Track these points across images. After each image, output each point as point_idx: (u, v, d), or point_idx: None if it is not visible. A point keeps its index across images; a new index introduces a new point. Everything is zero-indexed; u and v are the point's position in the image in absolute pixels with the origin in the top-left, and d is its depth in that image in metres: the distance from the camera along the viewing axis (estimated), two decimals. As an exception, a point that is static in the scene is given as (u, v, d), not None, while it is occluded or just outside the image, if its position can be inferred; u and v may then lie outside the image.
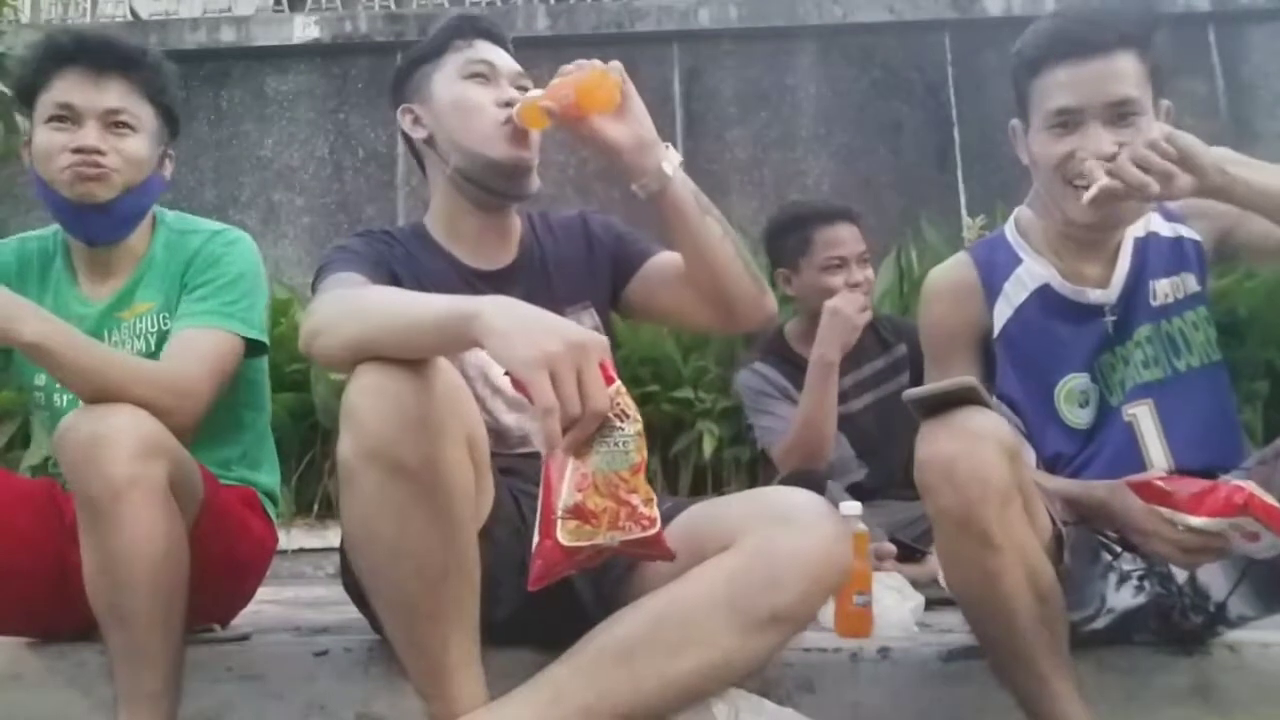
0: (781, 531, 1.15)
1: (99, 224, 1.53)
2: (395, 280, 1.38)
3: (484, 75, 1.46)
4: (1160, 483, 1.26)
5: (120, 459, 1.22)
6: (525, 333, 0.99)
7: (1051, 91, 1.37)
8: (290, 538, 3.01)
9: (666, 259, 1.51)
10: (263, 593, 1.65)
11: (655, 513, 1.02)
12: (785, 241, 2.32)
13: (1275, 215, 1.25)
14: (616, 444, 1.00)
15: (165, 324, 1.52)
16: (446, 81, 1.47)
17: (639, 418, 1.02)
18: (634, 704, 1.12)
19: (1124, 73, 1.35)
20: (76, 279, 1.58)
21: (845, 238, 2.26)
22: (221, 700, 1.44)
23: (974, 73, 4.26)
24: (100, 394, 1.31)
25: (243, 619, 1.65)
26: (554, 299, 1.47)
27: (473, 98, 1.45)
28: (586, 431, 0.98)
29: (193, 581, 1.32)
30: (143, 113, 1.53)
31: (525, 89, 1.45)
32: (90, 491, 1.23)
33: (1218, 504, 1.20)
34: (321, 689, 1.43)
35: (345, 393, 1.09)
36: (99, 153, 1.48)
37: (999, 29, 4.20)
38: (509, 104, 1.43)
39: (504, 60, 1.49)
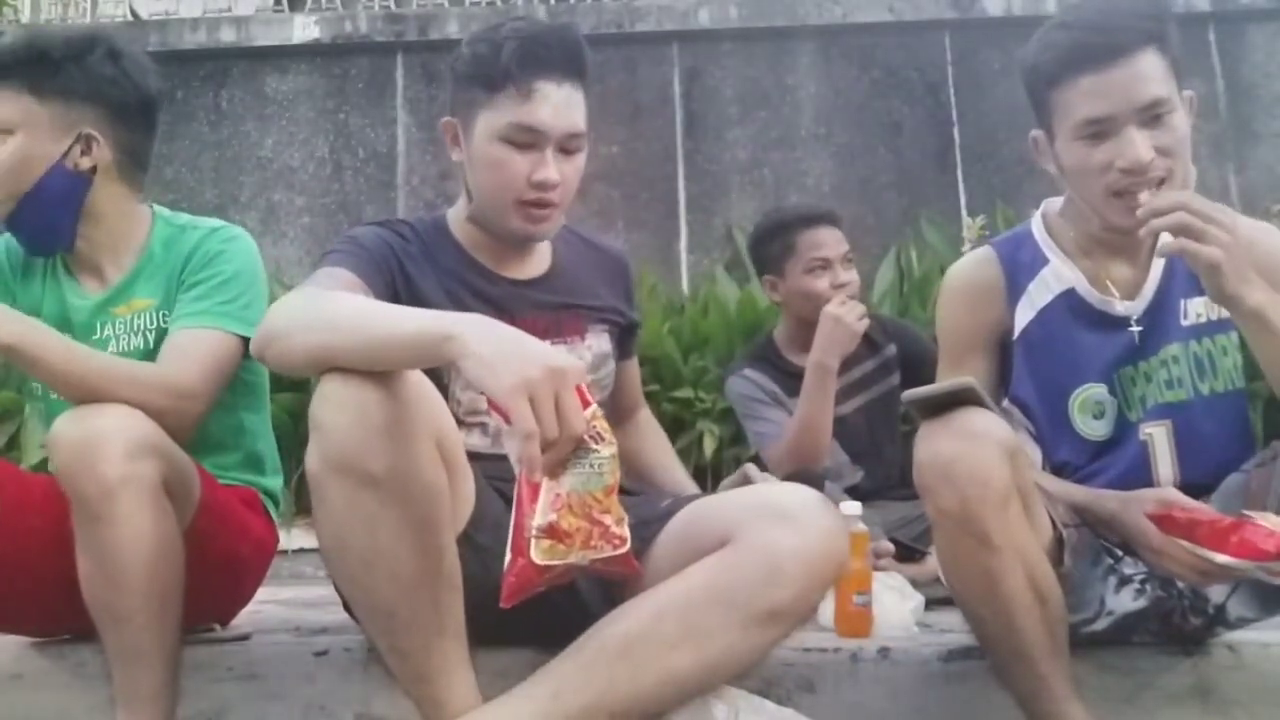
0: (780, 528, 1.15)
1: (23, 239, 1.53)
2: (395, 286, 1.38)
3: (526, 144, 1.37)
4: (1180, 515, 1.24)
5: (112, 459, 1.22)
6: (504, 357, 0.99)
7: (1078, 102, 1.32)
8: (290, 538, 3.00)
9: (631, 377, 1.66)
10: (263, 593, 1.65)
11: (626, 532, 1.05)
12: (770, 248, 2.33)
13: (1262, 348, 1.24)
14: (591, 466, 1.03)
15: (164, 321, 1.51)
16: (487, 133, 1.38)
17: (613, 440, 1.05)
18: (633, 699, 1.12)
19: (1149, 73, 1.31)
20: (73, 271, 1.57)
21: (828, 240, 2.28)
22: (221, 700, 1.44)
23: (974, 73, 4.26)
24: (84, 396, 1.30)
25: (243, 619, 1.65)
26: (579, 316, 1.49)
27: (506, 165, 1.37)
28: (562, 454, 1.00)
29: (191, 581, 1.32)
30: (16, 112, 1.47)
31: (572, 151, 1.40)
32: (83, 492, 1.23)
33: (1246, 547, 1.17)
34: (321, 689, 1.43)
35: (311, 404, 1.09)
36: None
37: (999, 29, 4.20)
38: (541, 185, 1.37)
39: (557, 117, 1.36)
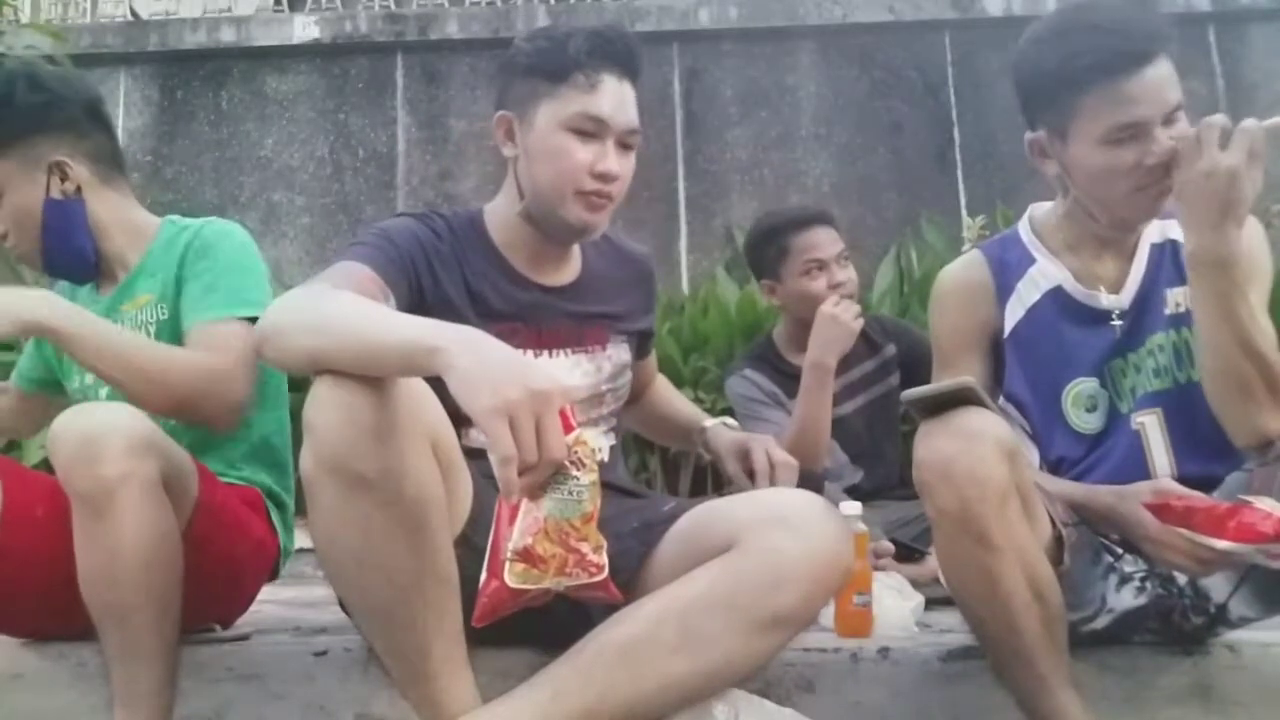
0: (783, 533, 1.15)
1: (64, 276, 1.62)
2: (420, 285, 1.37)
3: (590, 133, 1.38)
4: (1177, 503, 1.24)
5: (112, 456, 1.23)
6: (487, 376, 0.98)
7: (1114, 107, 1.33)
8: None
9: (647, 366, 1.69)
10: (263, 593, 1.65)
11: (604, 559, 1.05)
12: (764, 252, 2.33)
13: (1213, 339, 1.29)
14: (570, 492, 1.02)
15: (163, 314, 1.53)
16: (551, 123, 1.38)
17: (595, 467, 1.04)
18: (633, 704, 1.12)
19: (1173, 78, 1.34)
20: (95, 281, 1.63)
21: (822, 240, 2.27)
22: (221, 700, 1.44)
23: (974, 73, 4.26)
24: (137, 381, 1.36)
25: (243, 619, 1.65)
26: (603, 326, 1.50)
27: (569, 154, 1.38)
28: (540, 478, 1.00)
29: (189, 581, 1.32)
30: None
31: (629, 147, 1.42)
32: (83, 489, 1.24)
33: (1244, 530, 1.17)
34: (321, 689, 1.43)
35: (305, 406, 1.09)
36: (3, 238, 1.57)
37: (999, 29, 4.20)
38: (604, 175, 1.38)
39: (619, 111, 1.39)
